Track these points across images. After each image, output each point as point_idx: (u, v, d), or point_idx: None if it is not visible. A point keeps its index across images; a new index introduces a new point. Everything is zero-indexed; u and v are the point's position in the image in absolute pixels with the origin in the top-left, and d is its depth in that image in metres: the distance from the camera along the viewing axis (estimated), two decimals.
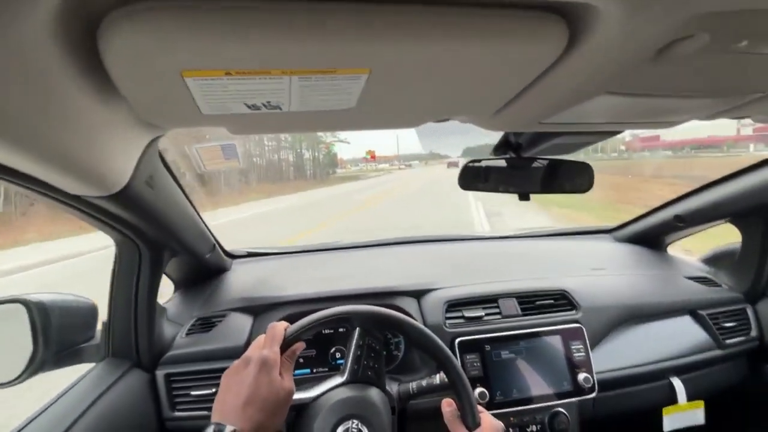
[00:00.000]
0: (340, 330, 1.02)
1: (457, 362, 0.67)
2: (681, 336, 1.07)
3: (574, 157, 0.89)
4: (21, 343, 0.74)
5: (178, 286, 1.13)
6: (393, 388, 0.79)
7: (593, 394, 0.93)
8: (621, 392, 0.99)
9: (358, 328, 0.69)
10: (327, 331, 1.02)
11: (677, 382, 1.01)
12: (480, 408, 0.66)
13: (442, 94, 0.44)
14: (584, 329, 0.98)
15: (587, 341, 0.97)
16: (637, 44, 0.34)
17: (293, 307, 0.98)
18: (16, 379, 0.71)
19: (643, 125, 0.62)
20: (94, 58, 0.30)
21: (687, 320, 1.11)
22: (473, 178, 0.87)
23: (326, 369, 0.99)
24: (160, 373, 0.86)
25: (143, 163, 0.54)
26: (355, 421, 0.63)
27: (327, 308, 0.66)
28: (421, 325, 0.69)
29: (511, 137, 0.86)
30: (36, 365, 0.71)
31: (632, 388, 1.00)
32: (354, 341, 0.69)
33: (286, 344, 0.59)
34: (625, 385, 1.00)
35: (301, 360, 0.99)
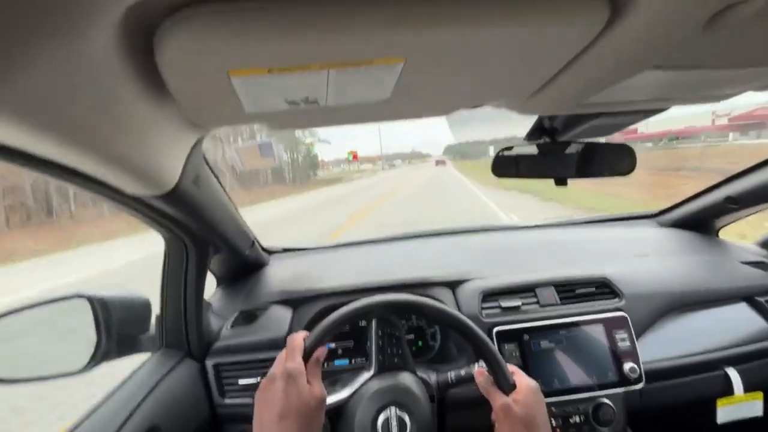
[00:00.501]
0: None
1: (479, 330, 0.66)
2: (736, 324, 1.01)
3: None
4: (86, 336, 0.81)
5: (221, 281, 1.18)
6: (431, 377, 0.79)
7: (640, 385, 0.90)
8: (671, 383, 0.95)
9: (374, 320, 0.69)
10: (363, 323, 1.04)
11: (733, 373, 0.96)
12: (513, 368, 0.66)
13: (477, 79, 0.43)
14: (628, 318, 0.94)
15: (632, 330, 0.93)
16: (687, 13, 0.32)
17: (331, 299, 1.01)
18: (84, 368, 0.77)
19: (690, 100, 0.58)
20: (149, 63, 0.32)
21: (743, 307, 1.04)
22: (507, 165, 0.86)
23: (364, 359, 1.01)
24: (209, 363, 0.91)
25: (190, 164, 0.58)
26: (393, 408, 0.64)
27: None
28: (434, 302, 0.68)
29: (546, 121, 0.83)
30: (101, 355, 0.77)
31: (683, 379, 0.96)
32: (373, 333, 0.70)
33: (308, 353, 0.59)
34: (676, 375, 0.95)
35: (340, 351, 1.02)
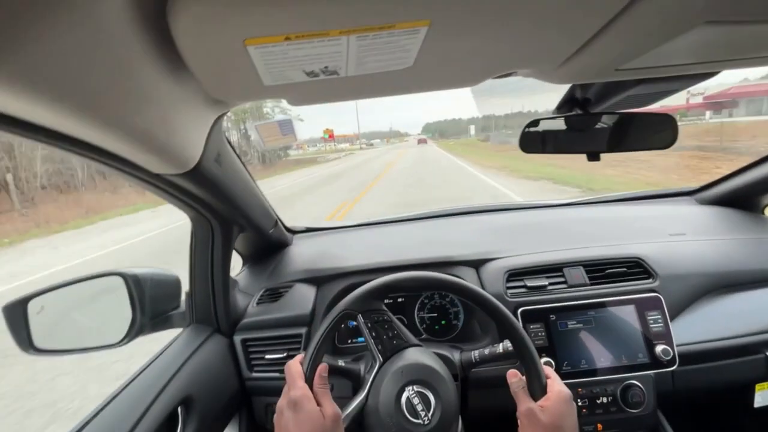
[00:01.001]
0: (399, 300, 1.04)
1: (520, 326, 0.65)
2: None
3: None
4: (120, 311, 0.85)
5: (246, 260, 1.21)
6: (455, 356, 0.79)
7: (673, 368, 0.86)
8: (706, 366, 0.91)
9: (359, 316, 0.68)
10: (387, 301, 1.04)
11: None
12: (549, 372, 0.64)
13: (506, 44, 0.40)
14: (662, 299, 0.90)
15: (666, 311, 0.90)
16: None
17: (354, 278, 1.01)
18: (122, 341, 0.82)
19: (745, 62, 0.53)
20: (165, 36, 0.31)
21: None
22: (536, 140, 0.82)
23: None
24: (237, 338, 0.94)
25: (211, 141, 0.58)
26: (413, 386, 0.63)
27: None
28: (469, 284, 0.68)
29: (578, 92, 0.78)
30: (136, 329, 0.81)
31: (720, 362, 0.92)
32: (363, 328, 0.69)
33: (309, 376, 0.59)
34: (712, 358, 0.91)
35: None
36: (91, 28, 0.27)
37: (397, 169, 18.20)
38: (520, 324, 0.66)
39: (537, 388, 0.62)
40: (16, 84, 0.27)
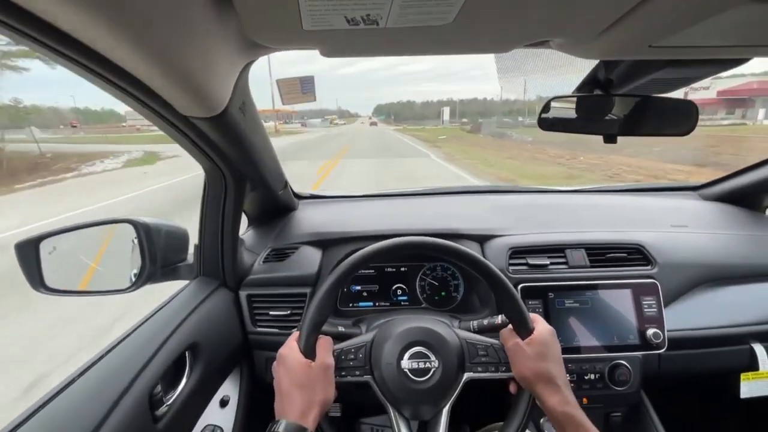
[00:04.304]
0: (402, 269, 1.06)
1: (502, 275, 0.67)
2: None
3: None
4: (129, 258, 0.86)
5: (252, 221, 1.22)
6: (454, 324, 0.82)
7: (661, 351, 0.90)
8: (692, 352, 0.95)
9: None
10: (389, 269, 1.06)
11: (759, 348, 0.95)
12: (534, 317, 0.67)
13: (547, 8, 0.40)
14: (659, 285, 0.93)
15: (661, 298, 0.92)
16: None
17: (360, 243, 1.03)
18: (131, 287, 0.83)
19: None
20: None
21: None
22: (555, 118, 0.81)
23: (388, 303, 1.05)
24: (243, 293, 0.96)
25: (239, 89, 0.57)
26: (414, 348, 0.66)
27: None
28: (453, 243, 0.69)
29: (601, 72, 0.78)
30: (146, 277, 0.82)
31: (705, 350, 0.95)
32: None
33: (306, 342, 0.62)
34: (698, 345, 0.95)
35: (365, 294, 1.06)
36: None
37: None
38: (508, 282, 0.67)
39: (524, 330, 0.65)
40: (91, 8, 0.27)
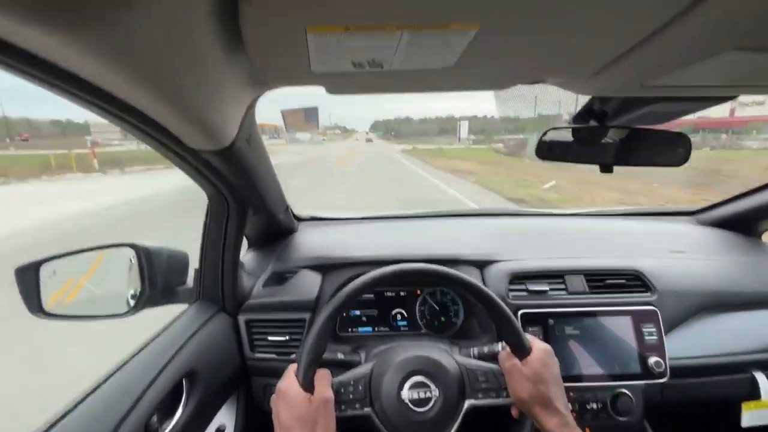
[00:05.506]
0: (402, 294, 1.06)
1: (497, 297, 0.67)
2: None
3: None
4: (128, 282, 0.86)
5: (252, 243, 1.22)
6: (454, 351, 0.81)
7: (663, 380, 0.89)
8: (694, 381, 0.94)
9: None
10: (389, 294, 1.06)
11: (761, 377, 0.94)
12: (531, 338, 0.67)
13: (544, 52, 0.42)
14: (659, 313, 0.93)
15: (661, 325, 0.92)
16: None
17: (360, 268, 1.03)
18: (128, 312, 0.83)
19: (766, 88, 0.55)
20: (232, 21, 0.33)
21: None
22: (551, 148, 0.83)
23: (387, 329, 1.04)
24: (241, 318, 0.95)
25: (246, 122, 0.59)
26: (415, 377, 0.66)
27: None
28: (452, 270, 0.69)
29: (596, 104, 0.80)
30: (144, 301, 0.82)
31: (708, 378, 0.95)
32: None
33: (305, 375, 0.61)
34: (700, 374, 0.94)
35: (364, 318, 1.05)
36: (173, 8, 0.29)
37: None
38: (504, 305, 0.68)
39: (520, 352, 0.65)
40: (99, 50, 0.28)
